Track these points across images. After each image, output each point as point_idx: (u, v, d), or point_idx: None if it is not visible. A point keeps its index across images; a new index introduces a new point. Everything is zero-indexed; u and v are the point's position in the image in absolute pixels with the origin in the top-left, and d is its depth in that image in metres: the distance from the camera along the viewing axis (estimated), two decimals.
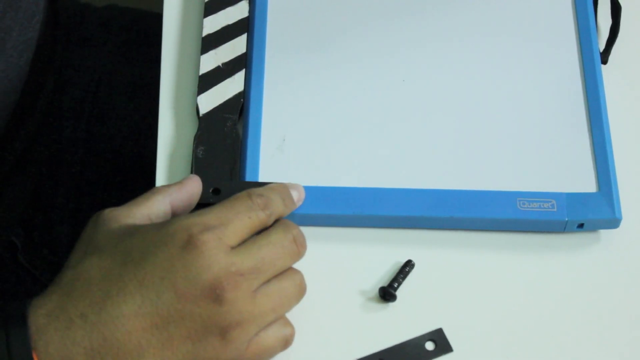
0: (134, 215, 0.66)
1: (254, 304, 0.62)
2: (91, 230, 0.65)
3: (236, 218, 0.64)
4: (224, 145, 0.75)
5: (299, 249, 0.66)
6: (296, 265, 0.67)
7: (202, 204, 0.71)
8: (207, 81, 0.78)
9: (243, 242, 0.64)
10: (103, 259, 0.62)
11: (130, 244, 0.62)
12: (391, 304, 0.71)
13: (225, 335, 0.61)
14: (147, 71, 0.93)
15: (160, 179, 0.75)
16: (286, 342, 0.65)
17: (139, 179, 0.91)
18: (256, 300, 0.62)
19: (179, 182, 0.69)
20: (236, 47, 0.80)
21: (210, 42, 0.80)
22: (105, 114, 0.92)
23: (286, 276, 0.65)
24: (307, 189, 0.73)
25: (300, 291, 0.66)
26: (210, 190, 0.72)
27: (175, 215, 0.68)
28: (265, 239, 0.64)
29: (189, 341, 0.61)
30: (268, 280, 0.64)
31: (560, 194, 0.73)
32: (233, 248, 0.63)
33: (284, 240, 0.65)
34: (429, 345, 0.70)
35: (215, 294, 0.61)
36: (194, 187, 0.69)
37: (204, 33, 0.80)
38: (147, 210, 0.66)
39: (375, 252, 0.73)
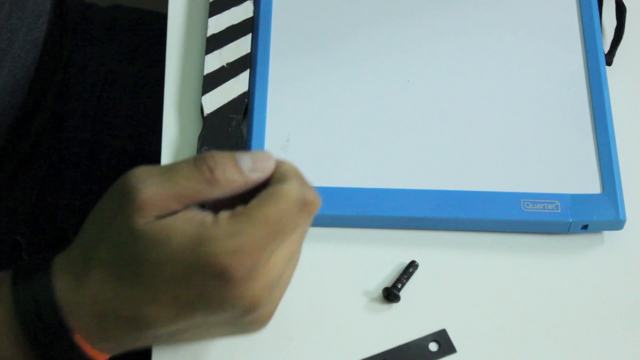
0: (169, 216, 0.60)
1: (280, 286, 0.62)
2: (116, 207, 0.60)
3: (273, 243, 0.59)
4: (228, 145, 0.75)
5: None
6: (301, 267, 0.66)
7: None
8: (212, 81, 0.78)
9: (273, 251, 0.60)
10: (126, 286, 0.59)
11: (157, 271, 0.59)
12: (395, 305, 0.71)
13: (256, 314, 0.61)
14: (152, 71, 0.93)
15: None
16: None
17: None
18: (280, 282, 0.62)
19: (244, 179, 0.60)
20: (241, 47, 0.80)
21: (215, 42, 0.80)
22: (110, 113, 0.92)
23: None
24: None
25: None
26: None
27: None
28: (295, 255, 0.62)
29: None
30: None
31: (565, 195, 0.73)
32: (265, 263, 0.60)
33: (301, 243, 0.62)
34: (433, 346, 0.70)
35: (253, 309, 0.60)
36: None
37: (209, 33, 0.80)
38: (188, 214, 0.60)
39: (379, 252, 0.73)
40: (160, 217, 0.59)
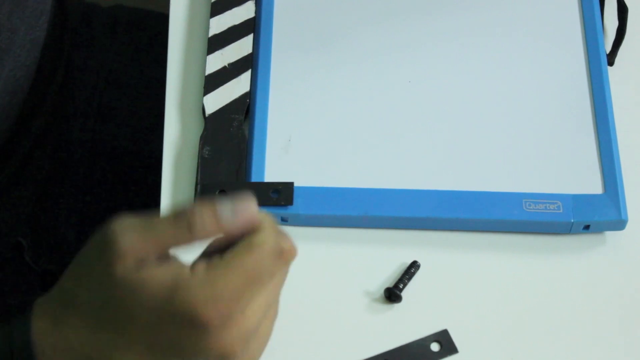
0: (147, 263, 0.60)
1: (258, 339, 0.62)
2: (97, 255, 0.60)
3: (249, 292, 0.59)
4: (229, 145, 0.75)
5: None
6: (302, 267, 0.66)
7: None
8: (213, 81, 0.78)
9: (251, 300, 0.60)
10: (101, 333, 0.60)
11: (132, 318, 0.59)
12: (396, 305, 0.71)
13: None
14: (153, 71, 0.93)
15: (166, 179, 0.76)
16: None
17: (145, 179, 0.91)
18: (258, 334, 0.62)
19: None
20: (242, 47, 0.80)
21: (217, 42, 0.80)
22: (112, 114, 0.92)
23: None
24: (313, 190, 0.73)
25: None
26: (217, 192, 0.72)
27: None
28: (273, 306, 0.62)
29: None
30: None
31: (566, 195, 0.73)
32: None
33: (278, 293, 0.62)
34: (434, 347, 0.70)
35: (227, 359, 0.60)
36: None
37: (210, 33, 0.80)
38: (166, 263, 0.60)
39: (381, 253, 0.73)
40: (139, 264, 0.59)
